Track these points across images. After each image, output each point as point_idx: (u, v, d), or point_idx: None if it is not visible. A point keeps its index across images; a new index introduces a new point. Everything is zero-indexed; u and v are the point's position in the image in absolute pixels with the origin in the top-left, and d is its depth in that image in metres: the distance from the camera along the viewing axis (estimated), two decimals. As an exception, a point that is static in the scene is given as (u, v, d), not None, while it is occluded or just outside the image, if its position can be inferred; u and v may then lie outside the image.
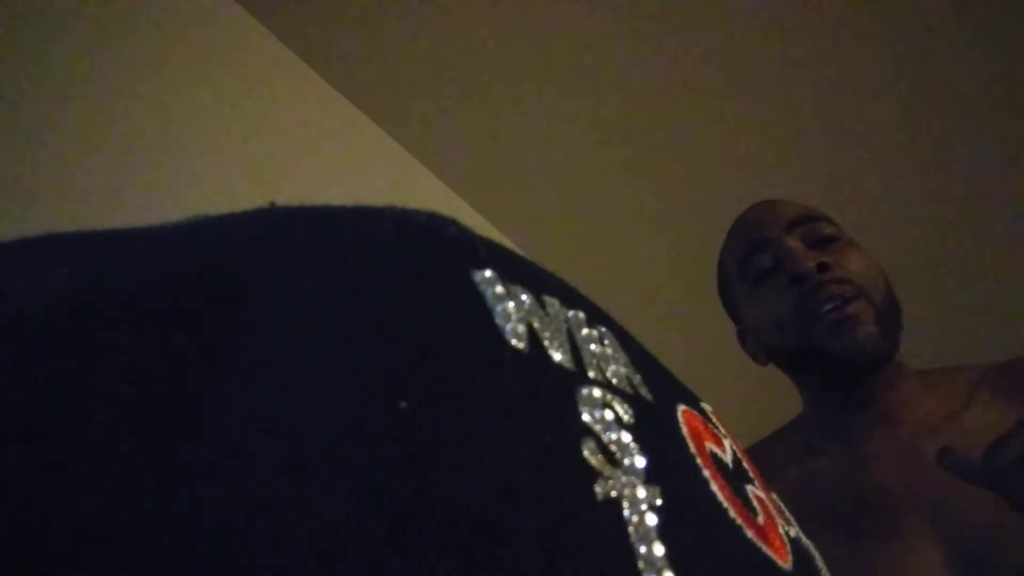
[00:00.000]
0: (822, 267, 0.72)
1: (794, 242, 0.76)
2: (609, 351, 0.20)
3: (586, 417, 0.17)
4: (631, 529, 0.16)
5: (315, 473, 0.13)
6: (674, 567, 0.15)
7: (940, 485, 0.66)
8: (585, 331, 0.20)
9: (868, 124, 1.70)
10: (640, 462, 0.17)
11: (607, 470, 0.16)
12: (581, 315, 0.20)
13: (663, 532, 0.16)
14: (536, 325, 0.18)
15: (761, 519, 0.21)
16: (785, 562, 0.20)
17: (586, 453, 0.16)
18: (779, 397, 1.05)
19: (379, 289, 0.17)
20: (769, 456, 0.79)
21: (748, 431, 0.84)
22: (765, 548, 0.19)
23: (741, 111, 1.72)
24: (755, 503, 0.21)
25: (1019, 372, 0.73)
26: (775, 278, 0.76)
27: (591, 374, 0.19)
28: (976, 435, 0.67)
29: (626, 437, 0.17)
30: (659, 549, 0.16)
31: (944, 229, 1.85)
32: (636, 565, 0.15)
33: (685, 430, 0.21)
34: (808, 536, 0.24)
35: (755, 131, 1.75)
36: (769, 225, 0.78)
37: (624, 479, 0.16)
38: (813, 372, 0.78)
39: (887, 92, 1.65)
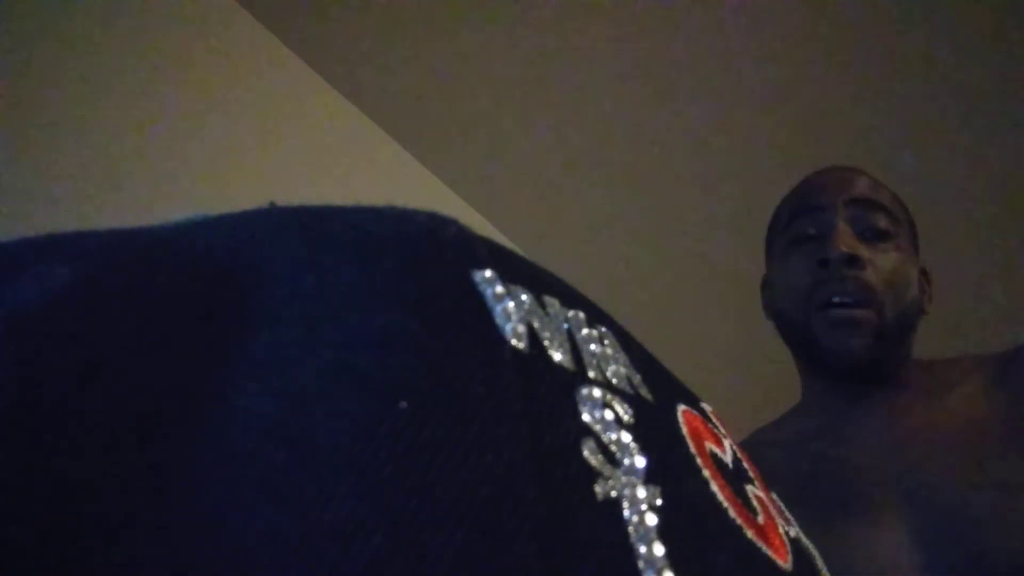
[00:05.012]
0: (852, 261, 0.71)
1: (844, 222, 0.73)
2: (609, 351, 0.20)
3: (586, 417, 0.17)
4: (631, 529, 0.16)
5: (315, 473, 0.13)
6: (674, 567, 0.15)
7: (910, 465, 0.67)
8: (585, 331, 0.20)
9: (882, 125, 1.70)
10: (640, 462, 0.17)
11: (607, 470, 0.16)
12: (581, 315, 0.20)
13: (663, 532, 0.16)
14: (536, 325, 0.18)
15: (761, 519, 0.21)
16: (785, 562, 0.20)
17: (586, 453, 0.16)
18: (779, 397, 1.05)
19: (379, 289, 0.17)
20: (760, 444, 0.79)
21: (748, 431, 0.84)
22: (765, 548, 0.19)
23: (743, 113, 1.72)
24: (755, 503, 0.21)
25: (1010, 362, 0.73)
26: (809, 248, 0.75)
27: (591, 374, 0.19)
28: (950, 419, 0.69)
29: (626, 437, 0.17)
30: (659, 549, 0.16)
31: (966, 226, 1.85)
32: (636, 565, 0.15)
33: (685, 430, 0.21)
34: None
35: (757, 132, 1.75)
36: (830, 193, 0.76)
37: (624, 479, 0.16)
38: (805, 356, 0.78)
39: (900, 102, 1.65)
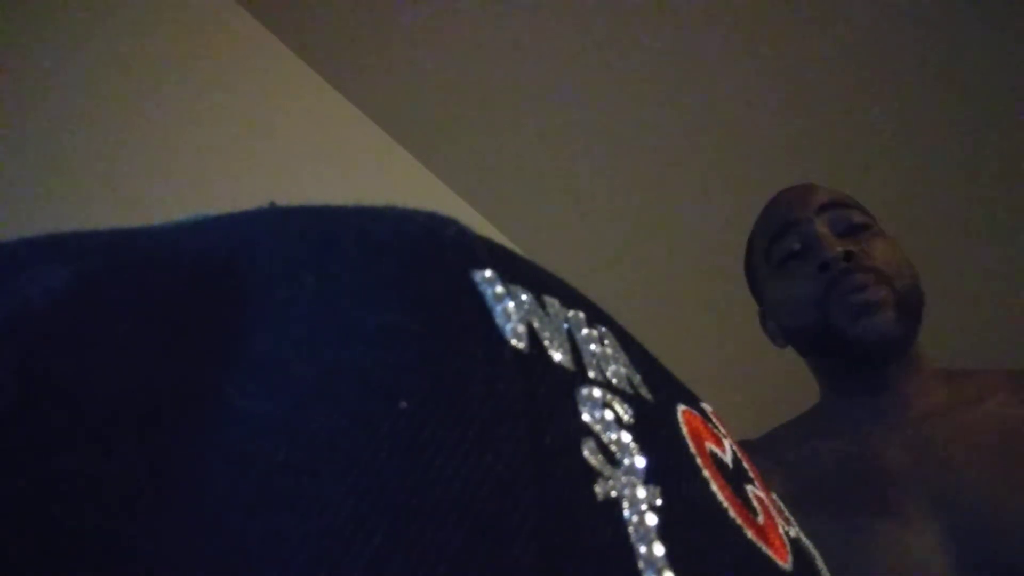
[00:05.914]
0: (848, 255, 0.73)
1: (823, 227, 0.76)
2: (609, 351, 0.20)
3: (586, 417, 0.17)
4: (631, 529, 0.16)
5: (315, 473, 0.13)
6: (674, 567, 0.15)
7: (943, 466, 0.67)
8: (585, 331, 0.20)
9: (879, 123, 1.70)
10: (640, 462, 0.17)
11: (607, 470, 0.16)
12: (581, 315, 0.20)
13: (663, 532, 0.16)
14: (536, 325, 0.18)
15: (761, 519, 0.21)
16: (785, 562, 0.20)
17: (586, 453, 0.16)
18: (782, 398, 1.05)
19: (379, 289, 0.17)
20: (778, 441, 0.79)
21: (750, 431, 0.84)
22: (765, 548, 0.19)
23: (741, 113, 1.72)
24: (755, 503, 0.21)
25: None
26: (802, 261, 0.77)
27: (591, 374, 0.19)
28: (986, 425, 0.69)
29: (626, 437, 0.17)
30: (659, 549, 0.16)
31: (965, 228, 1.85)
32: (636, 565, 0.15)
33: (685, 430, 0.21)
34: (806, 512, 0.24)
35: (758, 131, 1.75)
36: (799, 208, 0.79)
37: (624, 479, 0.16)
38: (830, 355, 0.78)
39: (898, 100, 1.65)
